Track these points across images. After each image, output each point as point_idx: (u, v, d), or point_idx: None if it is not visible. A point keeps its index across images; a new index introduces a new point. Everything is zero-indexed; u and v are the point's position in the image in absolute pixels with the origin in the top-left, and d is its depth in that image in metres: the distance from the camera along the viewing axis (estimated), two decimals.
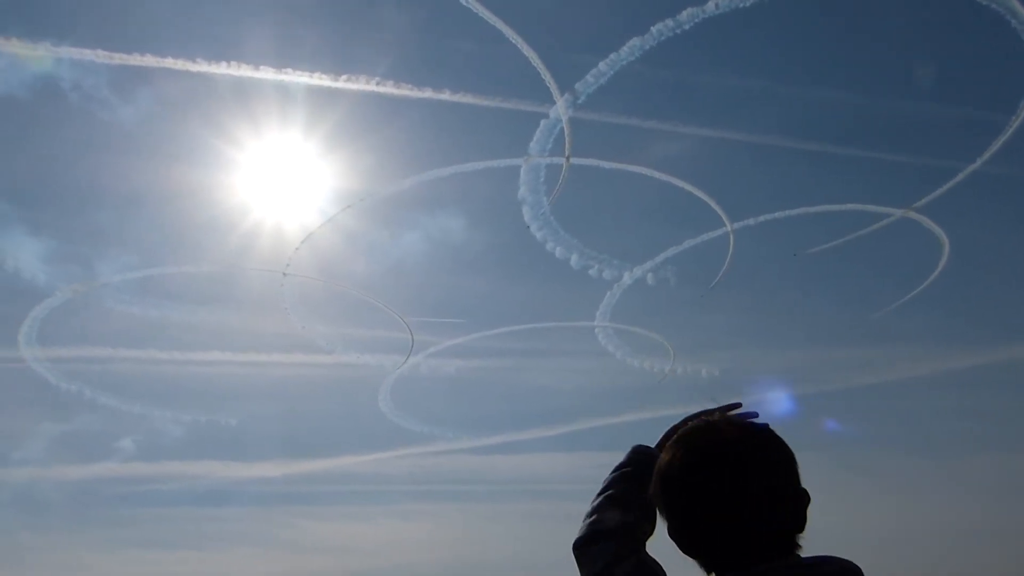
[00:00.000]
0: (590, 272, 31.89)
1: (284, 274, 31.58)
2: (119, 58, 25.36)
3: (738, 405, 2.88)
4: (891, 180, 41.01)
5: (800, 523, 2.22)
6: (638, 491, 2.71)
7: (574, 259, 31.32)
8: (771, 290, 40.39)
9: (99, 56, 25.23)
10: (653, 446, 2.91)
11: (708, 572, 2.24)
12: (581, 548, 2.63)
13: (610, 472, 2.87)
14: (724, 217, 31.45)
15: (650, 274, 32.57)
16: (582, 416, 40.76)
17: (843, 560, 2.15)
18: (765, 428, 2.31)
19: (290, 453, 43.77)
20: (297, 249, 30.91)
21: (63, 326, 31.62)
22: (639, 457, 2.88)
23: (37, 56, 25.49)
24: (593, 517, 2.69)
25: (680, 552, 2.34)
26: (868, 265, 38.61)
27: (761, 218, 31.07)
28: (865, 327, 38.01)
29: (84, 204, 37.18)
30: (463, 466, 43.52)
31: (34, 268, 29.38)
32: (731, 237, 31.98)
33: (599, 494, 2.79)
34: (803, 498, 2.24)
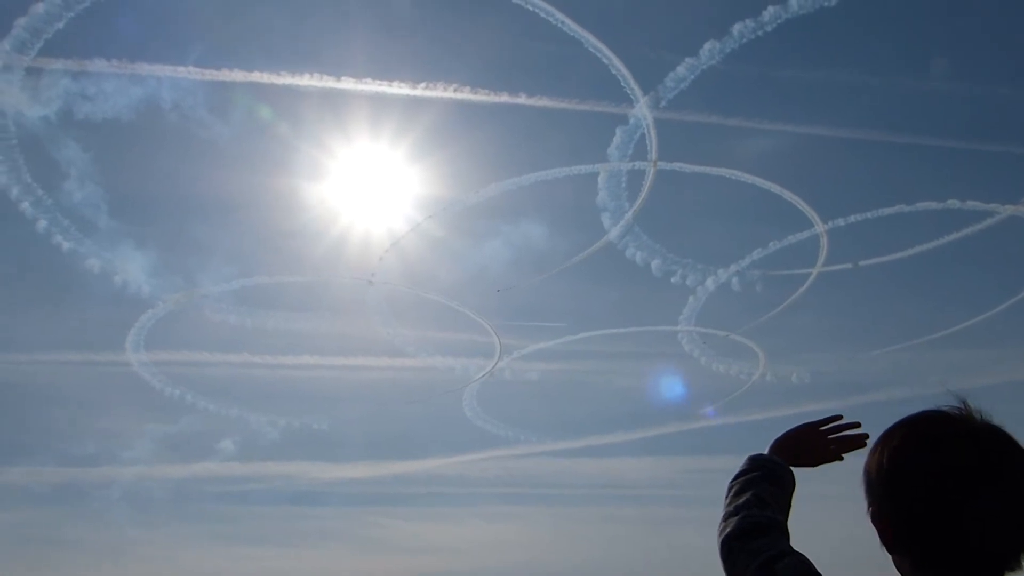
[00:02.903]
0: (672, 280, 31.40)
1: (370, 282, 32.44)
2: (210, 74, 26.62)
3: (839, 417, 2.99)
4: (996, 174, 38.65)
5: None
6: (780, 493, 2.75)
7: (657, 265, 30.91)
8: (865, 291, 38.70)
9: (192, 73, 26.55)
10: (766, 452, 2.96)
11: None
12: (737, 542, 2.55)
13: (733, 478, 2.85)
14: (815, 217, 30.40)
15: (736, 278, 31.80)
16: (667, 420, 40.21)
17: None
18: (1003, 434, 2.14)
19: (379, 455, 44.99)
20: (381, 258, 31.70)
21: (166, 333, 33.42)
22: (765, 464, 2.88)
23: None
24: (744, 513, 2.63)
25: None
26: (972, 264, 36.55)
27: (852, 218, 29.90)
28: (968, 329, 35.98)
29: (186, 218, 39.15)
30: (548, 469, 43.67)
31: (140, 280, 31.13)
32: (824, 238, 30.87)
33: (739, 494, 2.74)
34: None
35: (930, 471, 2.07)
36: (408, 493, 45.56)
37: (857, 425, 3.04)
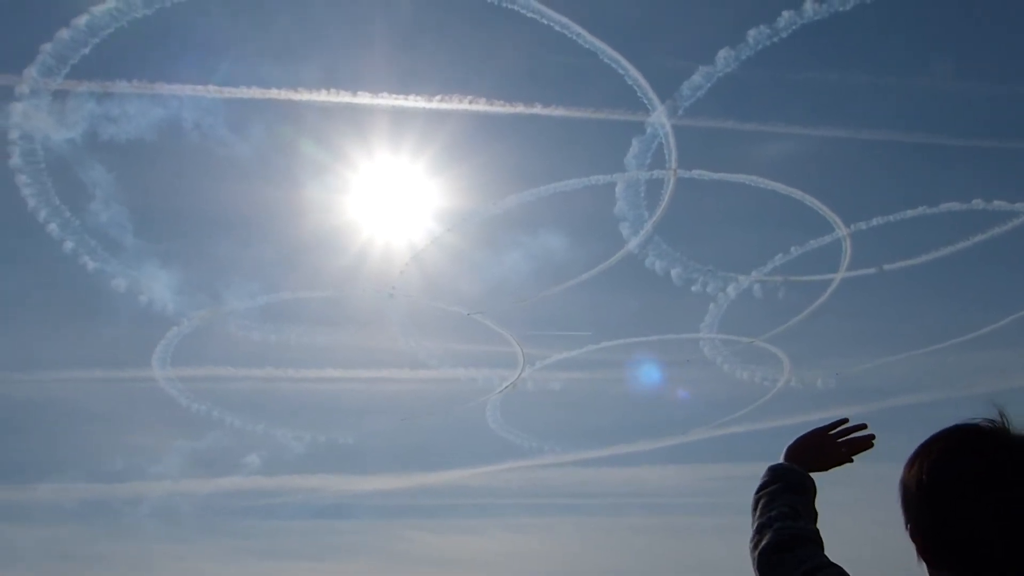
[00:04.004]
0: (693, 288, 31.26)
1: (391, 295, 32.62)
2: (228, 92, 27.02)
3: (846, 421, 3.08)
4: (1022, 172, 38.12)
5: None
6: (806, 501, 2.79)
7: (678, 273, 30.80)
8: (891, 293, 38.28)
9: (211, 91, 26.96)
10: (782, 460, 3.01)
11: None
12: (776, 555, 2.56)
13: (758, 491, 2.87)
14: (838, 221, 30.16)
15: (757, 285, 31.60)
16: (691, 428, 39.93)
17: None
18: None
19: (403, 467, 45.01)
20: (402, 272, 31.89)
21: (192, 350, 33.78)
22: (786, 474, 2.91)
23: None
24: (779, 525, 2.65)
25: None
26: (999, 265, 36.00)
27: (875, 221, 29.62)
28: (998, 331, 35.44)
29: (209, 235, 39.67)
30: (573, 479, 43.49)
31: (165, 298, 31.53)
32: (847, 242, 30.60)
33: (768, 506, 2.76)
34: None
35: (969, 484, 2.05)
36: (433, 505, 45.61)
37: (864, 427, 3.12)
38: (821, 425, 3.15)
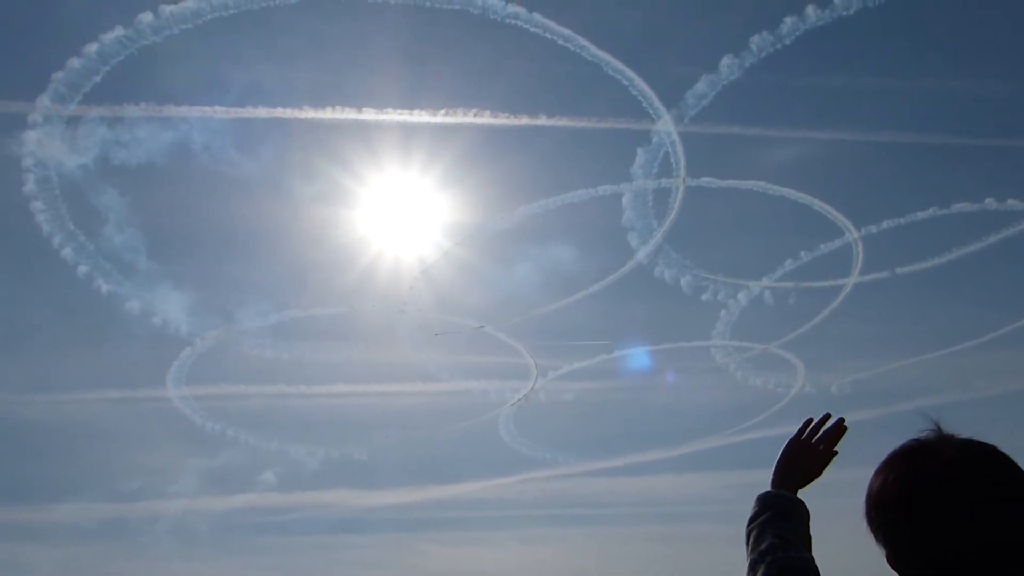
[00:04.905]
0: (703, 297, 31.21)
1: (403, 311, 32.74)
2: (235, 112, 27.31)
3: (810, 420, 3.13)
4: None
5: None
6: (798, 527, 2.79)
7: (688, 282, 30.77)
8: (905, 295, 38.06)
9: (217, 112, 27.27)
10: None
11: None
12: None
13: (748, 524, 2.86)
14: (848, 225, 30.06)
15: (768, 291, 31.52)
16: (706, 435, 39.75)
17: None
18: (986, 446, 2.19)
19: (417, 481, 45.00)
20: (411, 287, 32.00)
21: (205, 369, 33.96)
22: (775, 501, 2.90)
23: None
24: (770, 558, 2.65)
25: None
26: (1015, 264, 35.71)
27: (885, 224, 29.50)
28: (1016, 331, 35.14)
29: (221, 255, 39.93)
30: (587, 489, 43.31)
31: (178, 319, 31.78)
32: (858, 245, 30.49)
33: (759, 539, 2.76)
34: None
35: (936, 492, 2.10)
36: (447, 518, 45.49)
37: (828, 416, 3.16)
38: (790, 438, 3.15)
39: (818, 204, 29.60)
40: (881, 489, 2.21)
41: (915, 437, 2.25)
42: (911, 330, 41.51)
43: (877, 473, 2.26)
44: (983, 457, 2.15)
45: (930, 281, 34.14)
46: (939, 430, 2.24)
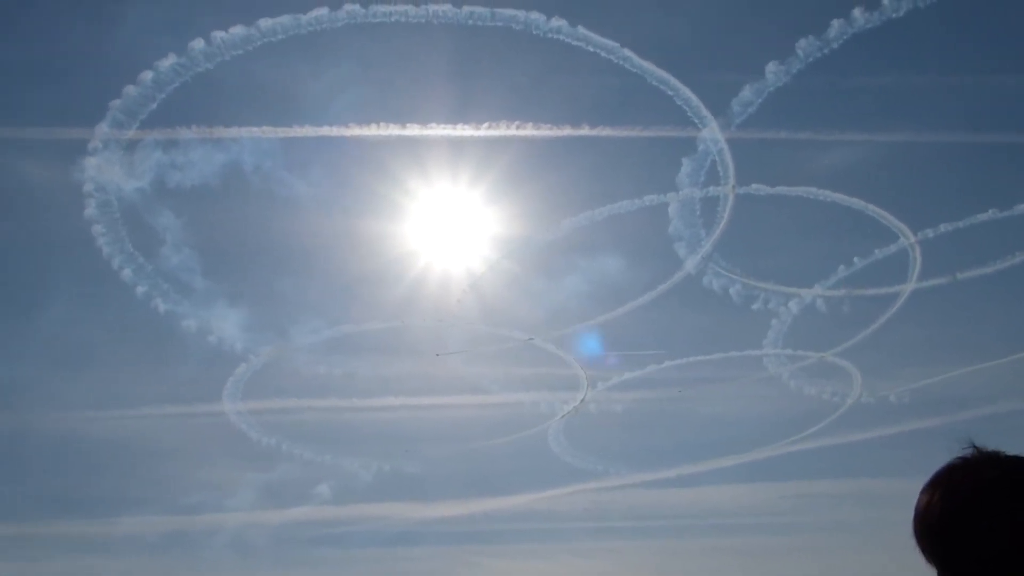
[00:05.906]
0: (754, 306, 30.73)
1: (451, 323, 32.99)
2: (283, 131, 27.97)
3: None
4: None
5: None
6: None
7: (738, 291, 30.35)
8: (965, 300, 36.85)
9: (266, 132, 27.97)
10: None
11: None
12: None
13: None
14: (905, 230, 29.30)
15: (820, 299, 30.89)
16: (760, 446, 39.00)
17: None
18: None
19: (469, 493, 45.09)
20: (459, 300, 32.24)
21: (260, 385, 34.72)
22: None
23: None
24: None
25: None
26: None
27: (943, 227, 28.67)
28: None
29: (274, 273, 40.80)
30: (639, 501, 42.84)
31: (233, 336, 32.57)
32: (915, 250, 29.69)
33: None
34: None
35: (982, 506, 2.19)
36: (499, 530, 45.43)
37: None
38: None
39: (871, 209, 28.97)
40: (927, 509, 2.30)
41: (959, 455, 2.33)
42: (972, 336, 40.19)
43: (923, 492, 2.35)
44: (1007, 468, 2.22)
45: (991, 285, 33.03)
46: (977, 448, 2.31)
